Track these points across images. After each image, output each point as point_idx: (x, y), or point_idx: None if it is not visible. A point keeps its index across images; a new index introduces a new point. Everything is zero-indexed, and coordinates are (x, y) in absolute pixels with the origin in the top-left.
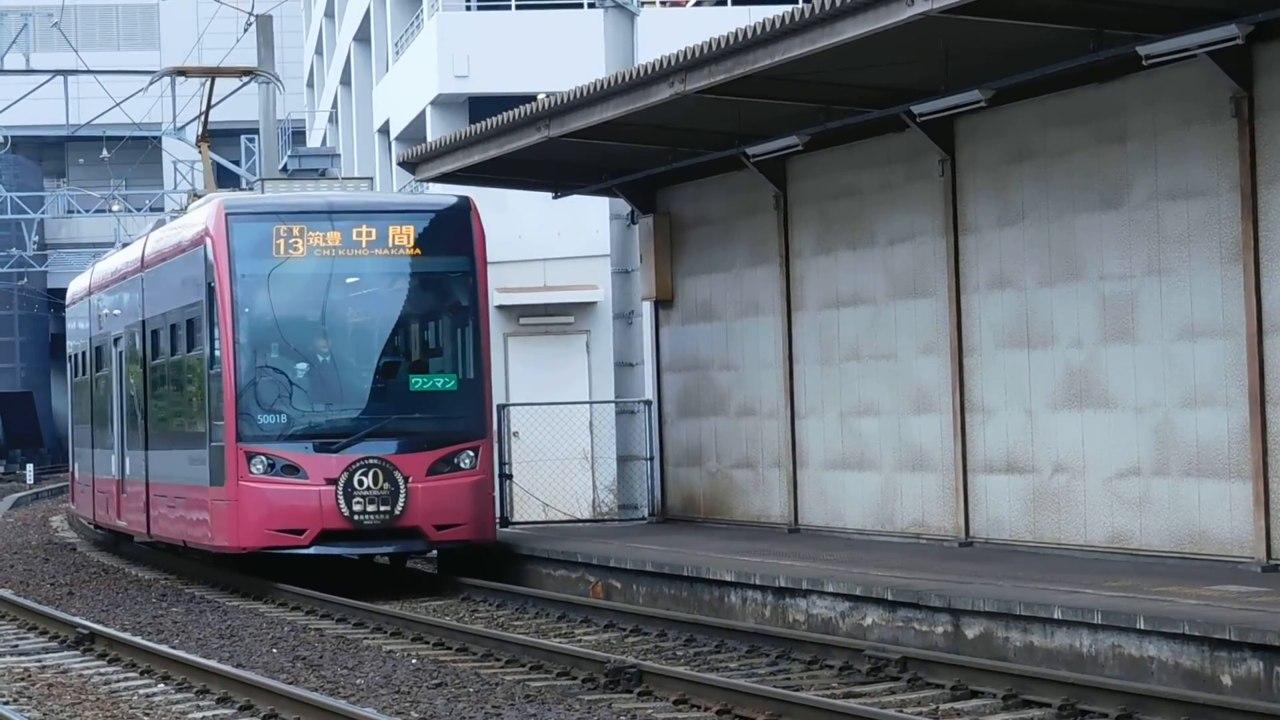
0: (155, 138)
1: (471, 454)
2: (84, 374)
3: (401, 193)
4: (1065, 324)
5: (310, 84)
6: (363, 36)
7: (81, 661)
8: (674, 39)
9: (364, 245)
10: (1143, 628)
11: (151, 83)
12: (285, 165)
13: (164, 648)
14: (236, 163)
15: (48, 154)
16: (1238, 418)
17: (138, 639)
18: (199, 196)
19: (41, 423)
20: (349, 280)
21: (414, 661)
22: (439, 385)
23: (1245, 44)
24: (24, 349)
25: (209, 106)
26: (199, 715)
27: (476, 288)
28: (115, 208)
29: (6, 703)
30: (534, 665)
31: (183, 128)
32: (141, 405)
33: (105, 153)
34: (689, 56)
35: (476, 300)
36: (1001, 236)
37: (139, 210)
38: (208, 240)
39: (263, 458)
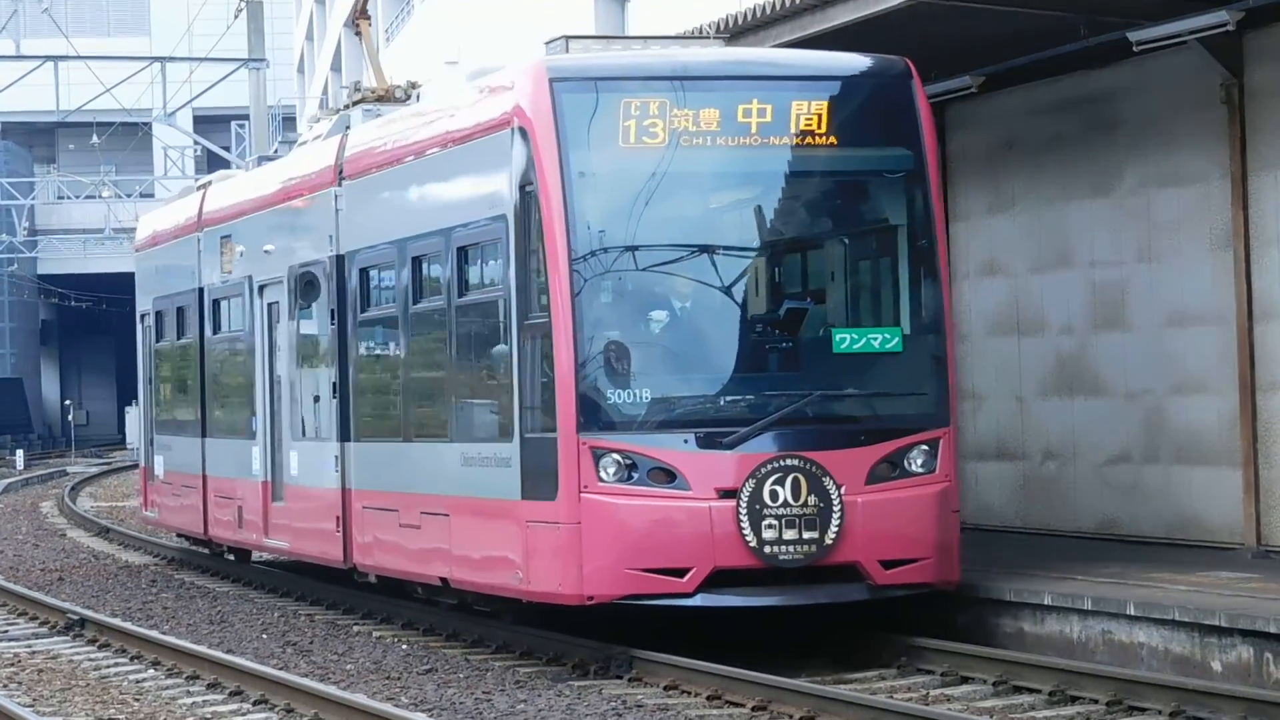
0: (146, 124)
1: (927, 450)
2: (183, 336)
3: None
4: (1056, 311)
5: (301, 70)
6: (354, 22)
7: (71, 647)
8: (664, 24)
9: (754, 130)
10: (1133, 614)
11: None
12: (276, 151)
13: (154, 633)
14: (226, 148)
15: (38, 140)
16: (1228, 404)
17: (128, 625)
18: (365, 92)
19: (31, 409)
20: (735, 183)
21: (404, 647)
22: (877, 345)
23: (1236, 31)
24: (14, 335)
25: None
26: (189, 701)
27: (927, 195)
28: (106, 194)
29: None
30: (524, 652)
31: (173, 113)
32: (334, 377)
33: (95, 139)
34: None
35: (929, 214)
36: (992, 224)
37: (129, 196)
38: (520, 122)
39: (618, 457)
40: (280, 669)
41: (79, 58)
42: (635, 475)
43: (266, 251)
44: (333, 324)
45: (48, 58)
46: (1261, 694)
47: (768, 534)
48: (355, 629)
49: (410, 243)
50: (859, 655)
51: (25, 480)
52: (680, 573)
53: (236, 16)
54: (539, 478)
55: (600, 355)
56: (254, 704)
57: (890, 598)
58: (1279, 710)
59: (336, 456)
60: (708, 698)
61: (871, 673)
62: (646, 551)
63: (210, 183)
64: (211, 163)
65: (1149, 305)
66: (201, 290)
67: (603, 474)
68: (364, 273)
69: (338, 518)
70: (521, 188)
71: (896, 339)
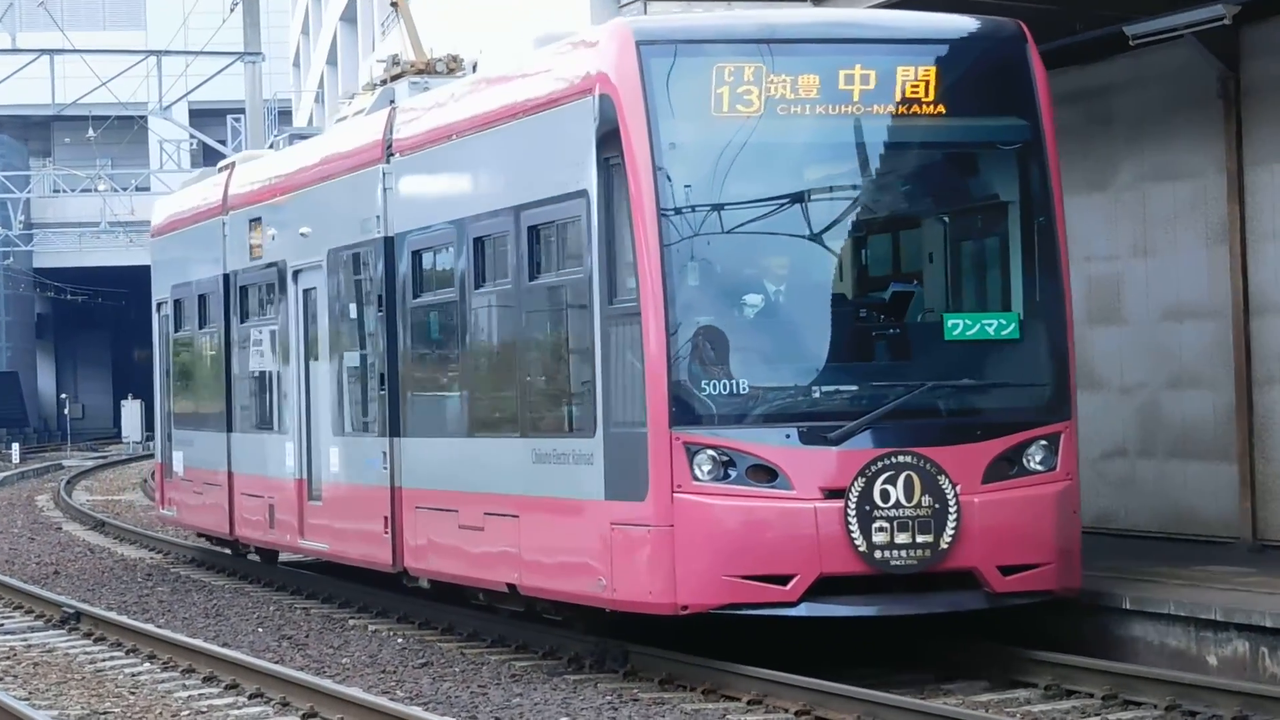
0: (141, 117)
1: (1046, 445)
2: (206, 326)
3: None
4: None
5: (296, 64)
6: (349, 16)
7: (67, 641)
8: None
9: (855, 98)
10: (1128, 608)
11: None
12: (272, 145)
13: (150, 627)
14: (223, 142)
15: (33, 133)
16: (1224, 399)
17: (123, 618)
18: (404, 66)
19: (26, 402)
20: (836, 155)
21: (400, 641)
22: (991, 331)
23: (1232, 25)
24: (9, 329)
25: None
26: (184, 694)
27: (1044, 168)
28: (101, 187)
29: None
30: (520, 646)
31: (168, 107)
32: (382, 368)
33: (91, 132)
34: None
35: (1046, 189)
36: None
37: (125, 190)
38: (603, 89)
39: (713, 453)
40: (276, 663)
41: (75, 51)
42: (732, 473)
43: (303, 234)
44: (380, 311)
45: (43, 51)
46: (1258, 688)
47: (878, 537)
48: (351, 623)
49: (472, 222)
50: (856, 651)
51: (21, 474)
52: (783, 580)
53: (232, 10)
54: (626, 476)
55: (694, 342)
56: (249, 698)
57: (1009, 606)
58: (1275, 704)
59: (385, 453)
60: (703, 692)
61: (869, 670)
62: (746, 557)
63: (234, 164)
64: (207, 156)
65: (1145, 299)
66: (227, 277)
67: (697, 472)
68: (417, 255)
69: (386, 518)
70: (605, 160)
71: (1013, 325)
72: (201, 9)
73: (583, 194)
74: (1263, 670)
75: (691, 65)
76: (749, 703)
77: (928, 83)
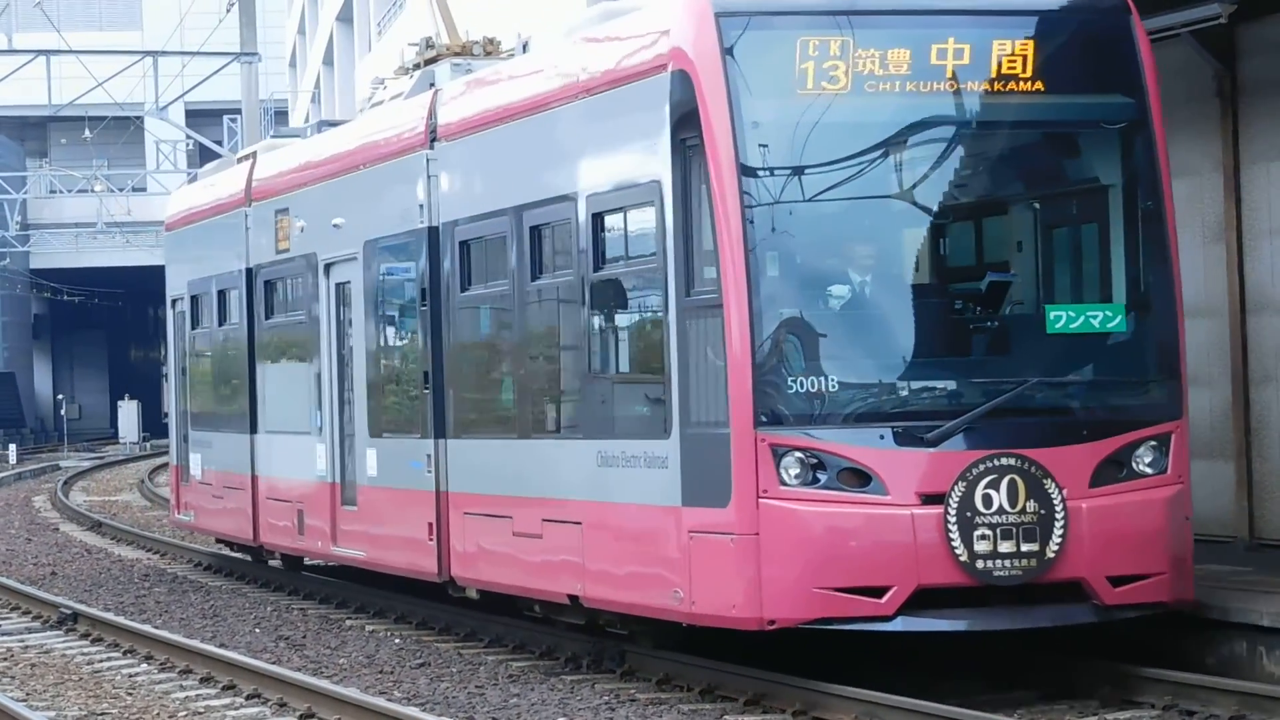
0: (137, 118)
1: (1156, 446)
2: (226, 322)
3: None
4: None
5: (293, 64)
6: (345, 16)
7: (64, 642)
8: None
9: (949, 74)
10: None
11: None
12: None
13: (147, 628)
14: (219, 143)
15: (30, 134)
16: (1220, 397)
17: (121, 619)
18: (441, 49)
19: (23, 403)
20: (929, 135)
21: (397, 642)
22: (1097, 324)
23: (1228, 23)
24: (6, 330)
25: None
26: (182, 695)
27: (1151, 149)
28: (98, 188)
29: None
30: (517, 646)
31: (165, 108)
32: (426, 365)
33: (87, 133)
34: None
35: (1154, 171)
36: None
37: (121, 190)
38: (679, 65)
39: (801, 455)
40: (273, 663)
41: (71, 52)
42: (822, 477)
43: (336, 225)
44: (424, 304)
45: (40, 52)
46: (1255, 688)
47: (980, 546)
48: (348, 623)
49: (528, 210)
50: (851, 651)
51: (18, 474)
52: (878, 592)
53: (228, 11)
54: (705, 480)
55: (779, 337)
56: (247, 698)
57: (1119, 620)
58: (1272, 704)
59: (429, 455)
60: (700, 692)
61: (863, 668)
62: (837, 567)
63: (256, 153)
64: (204, 157)
65: None
66: (250, 270)
67: (784, 476)
68: (464, 246)
69: (430, 524)
70: (681, 142)
71: (1119, 317)
72: (198, 9)
73: (655, 178)
74: (1260, 670)
75: (774, 39)
76: (746, 703)
77: (1025, 58)
